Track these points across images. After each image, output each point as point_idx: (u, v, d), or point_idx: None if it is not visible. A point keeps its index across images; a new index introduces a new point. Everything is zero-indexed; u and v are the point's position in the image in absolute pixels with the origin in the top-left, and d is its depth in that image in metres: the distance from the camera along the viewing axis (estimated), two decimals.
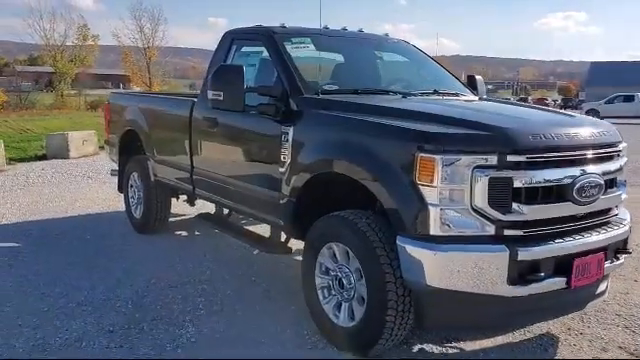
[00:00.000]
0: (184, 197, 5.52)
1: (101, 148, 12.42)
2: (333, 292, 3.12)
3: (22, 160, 10.67)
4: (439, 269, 2.59)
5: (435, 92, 3.86)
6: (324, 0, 3.72)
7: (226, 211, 4.73)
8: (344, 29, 4.33)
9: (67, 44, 45.42)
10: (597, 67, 60.67)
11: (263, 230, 4.51)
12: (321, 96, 3.40)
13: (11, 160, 10.26)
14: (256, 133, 3.68)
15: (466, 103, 3.67)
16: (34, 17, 43.70)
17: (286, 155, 3.36)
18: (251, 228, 4.72)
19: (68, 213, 6.36)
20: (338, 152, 3.05)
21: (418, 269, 2.63)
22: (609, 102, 31.60)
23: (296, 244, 3.70)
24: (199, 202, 5.57)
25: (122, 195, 5.89)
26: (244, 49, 4.25)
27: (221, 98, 3.49)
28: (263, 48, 3.95)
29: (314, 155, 3.19)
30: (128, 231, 5.53)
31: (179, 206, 5.70)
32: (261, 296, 3.92)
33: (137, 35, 45.64)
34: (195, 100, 4.42)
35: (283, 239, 3.86)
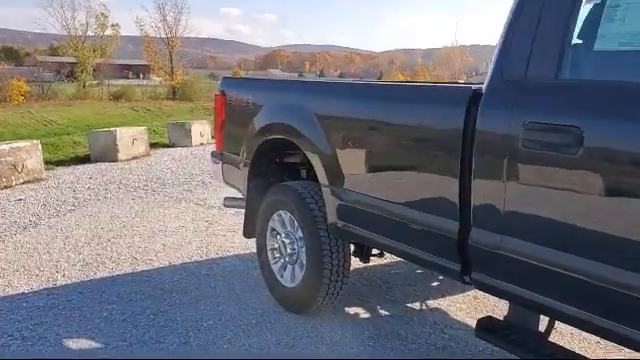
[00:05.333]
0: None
1: (151, 146, 10.31)
2: None
3: (61, 163, 8.53)
4: None
5: None
6: None
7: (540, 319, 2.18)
8: None
9: (88, 34, 43.97)
10: None
11: None
12: None
13: (48, 163, 8.10)
14: None
15: None
16: (55, 6, 42.09)
17: None
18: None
19: (152, 262, 4.12)
20: None
21: None
22: None
23: None
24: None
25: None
26: None
27: None
28: None
29: None
30: (269, 308, 3.29)
31: None
32: None
33: (160, 24, 44.05)
34: (476, 90, 2.17)
35: None
